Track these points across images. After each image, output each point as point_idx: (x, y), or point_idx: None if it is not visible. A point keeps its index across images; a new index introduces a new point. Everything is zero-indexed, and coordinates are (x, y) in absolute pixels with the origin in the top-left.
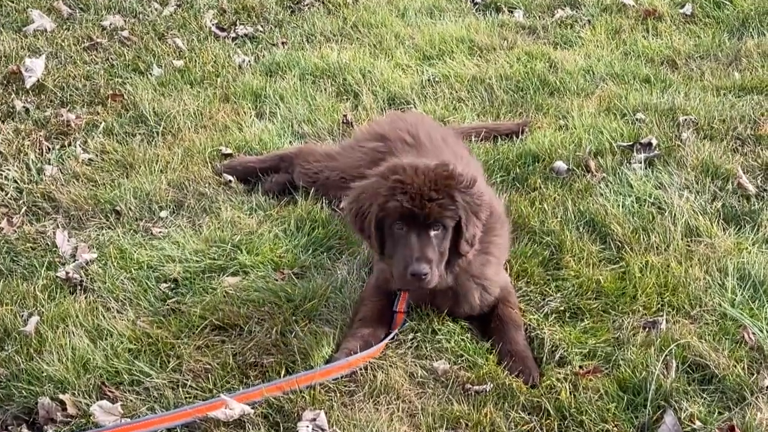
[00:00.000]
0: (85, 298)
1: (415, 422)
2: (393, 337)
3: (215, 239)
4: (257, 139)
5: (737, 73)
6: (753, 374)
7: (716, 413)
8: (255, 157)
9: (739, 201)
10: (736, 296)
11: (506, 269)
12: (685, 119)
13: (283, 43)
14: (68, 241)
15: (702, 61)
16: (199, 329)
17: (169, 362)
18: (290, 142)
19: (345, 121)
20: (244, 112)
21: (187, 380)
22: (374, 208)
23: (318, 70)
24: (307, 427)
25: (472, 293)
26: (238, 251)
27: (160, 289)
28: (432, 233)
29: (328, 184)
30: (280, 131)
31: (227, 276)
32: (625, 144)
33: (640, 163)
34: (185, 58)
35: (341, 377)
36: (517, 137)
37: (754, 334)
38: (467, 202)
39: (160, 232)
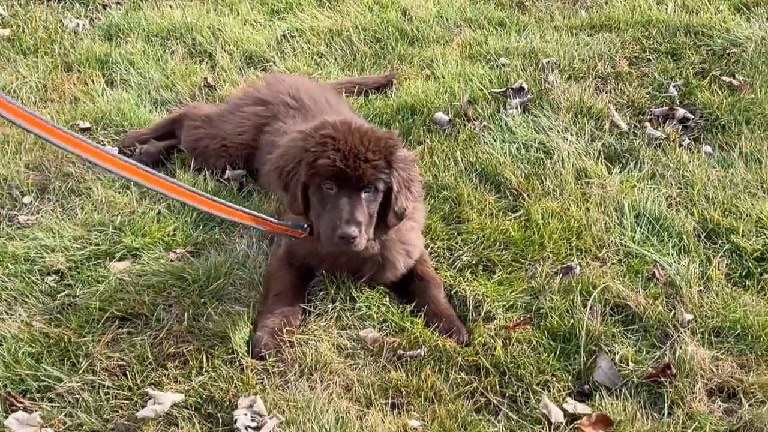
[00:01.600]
0: None
1: (354, 396)
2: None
3: (94, 222)
4: (115, 109)
5: (584, 11)
6: (671, 310)
7: (644, 352)
8: (147, 128)
9: (617, 139)
10: (635, 234)
11: None
12: (548, 61)
13: (117, 2)
14: None
15: (548, 1)
16: (101, 323)
17: (79, 363)
18: (150, 110)
19: (206, 84)
20: (93, 81)
21: (104, 380)
22: (303, 165)
23: (163, 31)
24: (246, 414)
25: (398, 259)
26: (122, 233)
27: (47, 283)
28: (363, 195)
29: (208, 153)
30: (138, 100)
31: (115, 261)
32: (497, 90)
33: (516, 108)
34: (10, 25)
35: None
36: (388, 89)
37: (663, 269)
38: (402, 175)
39: (27, 219)
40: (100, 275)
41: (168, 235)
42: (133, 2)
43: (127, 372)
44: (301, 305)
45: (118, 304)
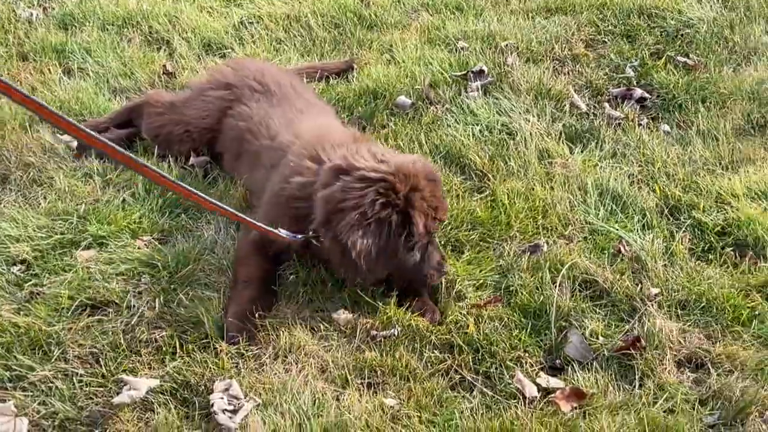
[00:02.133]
0: None
1: (329, 377)
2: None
3: (58, 211)
4: (74, 98)
5: None
6: (638, 284)
7: (614, 326)
8: (106, 116)
9: (577, 120)
10: (600, 211)
11: None
12: (506, 44)
13: None
14: None
15: None
16: (71, 311)
17: (51, 351)
18: (109, 99)
19: (165, 71)
20: (49, 70)
21: (77, 368)
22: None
23: (119, 19)
24: (222, 398)
25: None
26: (87, 222)
27: (13, 273)
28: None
29: (171, 139)
30: (96, 88)
31: (81, 250)
32: (458, 73)
33: (477, 90)
34: None
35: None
36: (349, 74)
37: (628, 245)
38: None
39: None
40: (67, 264)
41: (134, 222)
42: None
43: (101, 359)
44: (273, 287)
45: (87, 292)
